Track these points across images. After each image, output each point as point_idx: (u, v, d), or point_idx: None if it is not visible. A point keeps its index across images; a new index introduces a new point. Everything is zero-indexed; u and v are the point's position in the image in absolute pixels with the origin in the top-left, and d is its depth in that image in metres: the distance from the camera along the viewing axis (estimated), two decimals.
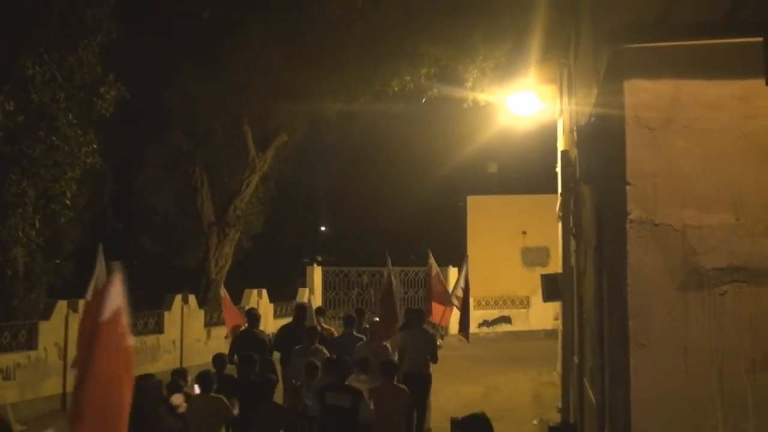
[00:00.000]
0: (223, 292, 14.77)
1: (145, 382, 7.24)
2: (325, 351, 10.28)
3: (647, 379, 5.13)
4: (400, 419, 8.65)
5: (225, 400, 8.22)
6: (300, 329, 11.36)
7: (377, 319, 12.15)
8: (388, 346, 11.22)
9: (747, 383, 5.05)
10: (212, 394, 8.25)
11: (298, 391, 8.54)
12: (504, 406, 15.22)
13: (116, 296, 5.35)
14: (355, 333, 11.68)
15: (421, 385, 11.01)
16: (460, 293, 13.93)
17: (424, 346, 11.41)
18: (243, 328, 12.43)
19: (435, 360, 11.53)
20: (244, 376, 9.32)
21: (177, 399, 8.29)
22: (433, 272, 14.22)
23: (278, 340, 11.97)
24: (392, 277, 12.73)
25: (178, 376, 8.81)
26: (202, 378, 8.37)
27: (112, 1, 16.22)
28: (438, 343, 12.08)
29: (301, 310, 12.56)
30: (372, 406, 8.15)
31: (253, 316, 12.17)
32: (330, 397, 7.98)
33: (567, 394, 11.15)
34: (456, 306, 13.94)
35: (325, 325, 12.76)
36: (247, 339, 11.55)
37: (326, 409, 7.97)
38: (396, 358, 11.05)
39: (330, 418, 7.90)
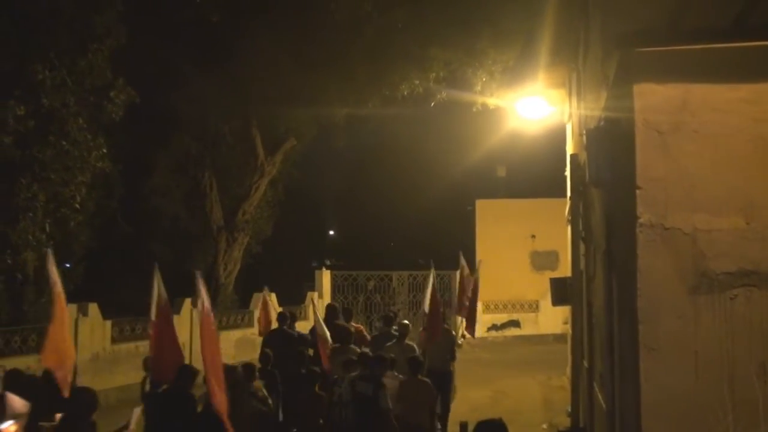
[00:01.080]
0: (265, 293, 16.02)
1: (229, 373, 8.35)
2: (358, 349, 11.12)
3: (657, 383, 5.11)
4: (425, 409, 9.68)
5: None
6: (330, 328, 12.06)
7: (406, 321, 12.89)
8: (415, 345, 11.91)
9: (758, 388, 5.02)
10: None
11: (336, 383, 9.55)
12: (513, 411, 15.16)
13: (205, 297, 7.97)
14: (392, 331, 12.48)
15: (442, 380, 11.89)
16: (469, 293, 14.17)
17: (445, 345, 12.47)
18: (274, 327, 13.37)
19: (454, 358, 12.71)
20: (291, 369, 10.07)
21: (257, 384, 9.42)
22: (464, 273, 14.50)
23: (312, 338, 12.60)
24: (435, 282, 13.21)
25: (250, 368, 9.69)
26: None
27: (122, 7, 16.30)
28: (459, 343, 13.28)
29: (332, 310, 13.45)
30: (400, 398, 9.29)
31: (283, 317, 13.03)
32: (359, 386, 9.13)
33: (577, 399, 11.12)
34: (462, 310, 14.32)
35: (355, 324, 13.55)
36: (278, 337, 12.39)
37: (355, 396, 9.07)
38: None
39: (357, 404, 9.03)
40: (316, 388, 9.71)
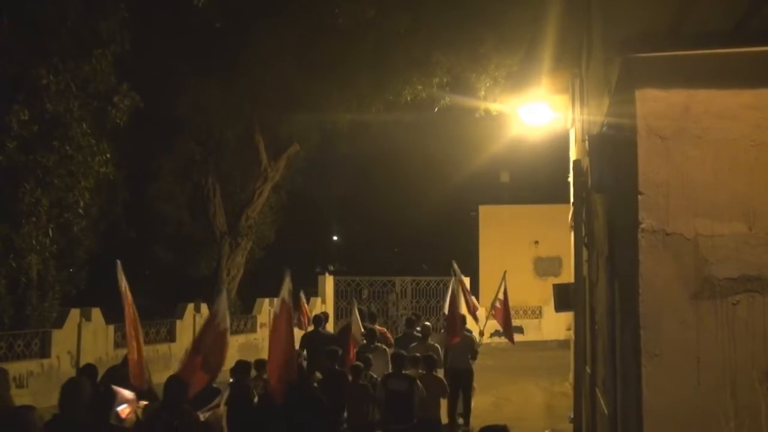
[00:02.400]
0: (302, 295, 17.07)
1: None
2: (385, 347, 12.28)
3: (659, 389, 5.09)
4: (437, 401, 10.72)
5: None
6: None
7: (428, 323, 13.84)
8: (438, 345, 12.83)
9: (760, 394, 5.01)
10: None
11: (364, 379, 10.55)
12: (516, 417, 15.14)
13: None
14: (415, 333, 13.43)
15: (463, 377, 13.43)
16: (498, 304, 15.57)
17: (465, 345, 13.64)
18: (310, 329, 14.64)
19: (475, 357, 13.89)
20: (329, 365, 10.78)
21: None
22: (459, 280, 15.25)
23: (340, 338, 13.50)
24: (457, 285, 14.42)
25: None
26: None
27: (126, 12, 16.34)
28: (479, 343, 14.47)
29: (360, 314, 14.26)
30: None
31: (318, 320, 14.17)
32: (391, 383, 9.99)
33: (579, 405, 11.09)
34: (493, 315, 15.67)
35: (378, 327, 14.39)
36: (315, 338, 13.42)
37: (388, 393, 9.94)
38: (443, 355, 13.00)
39: (391, 400, 9.90)
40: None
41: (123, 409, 7.40)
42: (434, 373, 10.94)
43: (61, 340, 15.61)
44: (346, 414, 10.42)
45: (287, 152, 24.78)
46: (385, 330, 15.05)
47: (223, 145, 23.99)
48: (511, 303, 18.29)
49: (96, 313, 16.70)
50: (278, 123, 23.01)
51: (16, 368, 14.51)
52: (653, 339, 5.14)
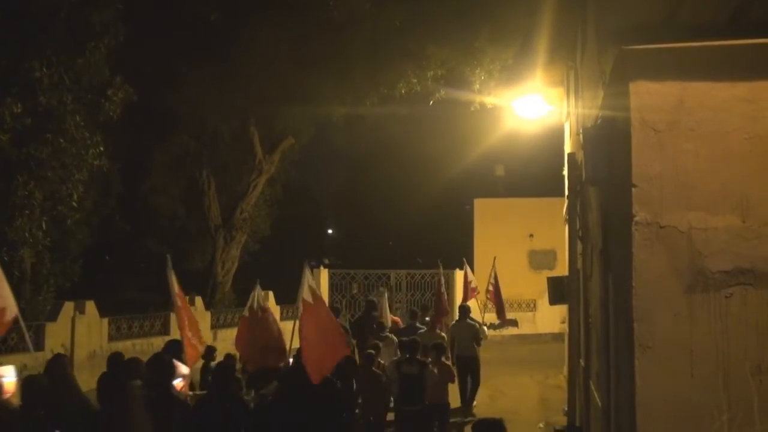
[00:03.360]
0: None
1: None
2: (394, 337, 13.30)
3: (653, 382, 5.09)
4: (446, 386, 11.63)
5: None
6: (369, 319, 14.81)
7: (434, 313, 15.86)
8: (444, 334, 14.40)
9: (753, 386, 5.00)
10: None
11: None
12: (510, 410, 15.16)
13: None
14: (417, 324, 14.64)
15: (470, 364, 14.63)
16: (491, 287, 17.66)
17: (470, 334, 14.79)
18: None
19: (479, 344, 14.97)
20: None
21: None
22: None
23: (355, 328, 14.85)
24: (443, 280, 17.45)
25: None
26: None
27: (120, 4, 16.27)
28: (487, 332, 15.79)
29: (371, 305, 15.67)
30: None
31: (336, 311, 14.90)
32: (404, 368, 10.89)
33: (573, 398, 11.12)
34: (489, 299, 17.66)
35: (393, 317, 15.84)
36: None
37: (402, 377, 10.84)
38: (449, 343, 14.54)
39: (404, 383, 10.81)
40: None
41: (178, 383, 8.54)
42: (443, 360, 11.78)
43: (55, 333, 15.59)
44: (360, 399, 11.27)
45: (282, 145, 24.75)
46: (399, 320, 16.61)
47: (218, 138, 23.95)
48: (505, 296, 18.54)
49: (90, 306, 16.67)
50: (273, 116, 22.98)
51: (10, 361, 14.43)
52: (647, 332, 5.14)
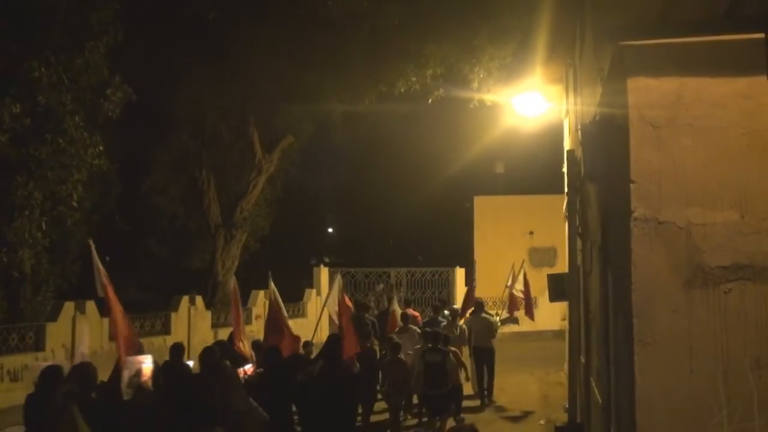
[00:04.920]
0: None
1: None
2: (417, 329, 14.21)
3: (652, 377, 5.09)
4: (456, 372, 12.63)
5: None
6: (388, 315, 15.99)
7: (456, 306, 17.37)
8: (464, 327, 15.51)
9: (752, 381, 5.01)
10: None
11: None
12: (511, 407, 15.18)
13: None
14: (439, 318, 15.64)
15: (486, 354, 15.54)
16: (521, 287, 18.17)
17: (485, 327, 15.77)
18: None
19: (494, 336, 15.93)
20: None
21: None
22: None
23: (380, 322, 15.81)
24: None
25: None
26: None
27: (118, 4, 16.26)
28: (499, 325, 16.87)
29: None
30: None
31: (362, 306, 16.02)
32: (428, 356, 12.05)
33: (574, 394, 11.12)
34: (522, 298, 18.11)
35: (411, 312, 16.51)
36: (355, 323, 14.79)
37: (426, 365, 12.00)
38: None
39: (428, 370, 11.97)
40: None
41: (246, 369, 10.37)
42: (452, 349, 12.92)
43: (56, 333, 15.60)
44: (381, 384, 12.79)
45: (281, 144, 24.74)
46: (418, 314, 17.48)
47: (217, 137, 23.94)
48: (506, 293, 18.55)
49: (90, 306, 16.67)
50: (272, 115, 22.96)
51: (10, 362, 14.51)
52: (646, 327, 5.14)
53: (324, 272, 25.44)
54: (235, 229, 24.20)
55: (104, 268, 9.50)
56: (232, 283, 12.68)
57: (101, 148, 16.56)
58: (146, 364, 8.60)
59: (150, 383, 8.41)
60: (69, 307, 16.11)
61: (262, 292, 22.29)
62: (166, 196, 26.51)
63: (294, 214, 35.95)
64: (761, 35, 4.78)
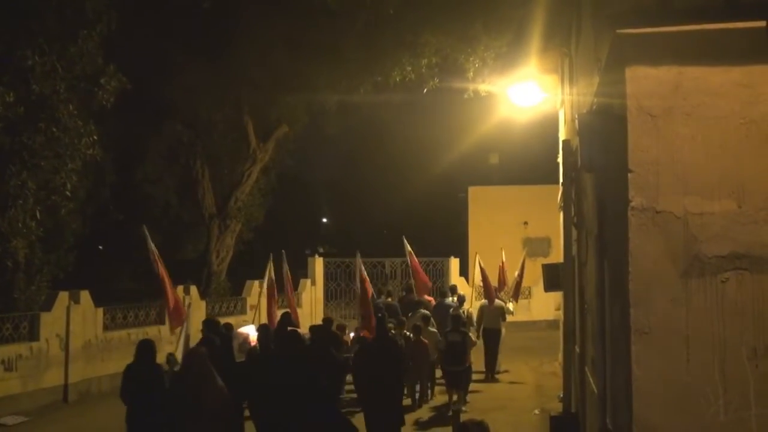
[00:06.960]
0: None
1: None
2: (427, 312, 15.92)
3: (649, 367, 5.09)
4: (466, 352, 14.32)
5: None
6: (410, 300, 18.01)
7: (462, 293, 18.95)
8: (471, 311, 18.31)
9: (749, 371, 5.02)
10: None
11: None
12: (505, 396, 15.24)
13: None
14: (447, 302, 17.67)
15: (494, 336, 17.57)
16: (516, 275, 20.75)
17: (497, 311, 17.80)
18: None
19: (504, 319, 18.04)
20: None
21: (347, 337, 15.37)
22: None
23: (403, 307, 17.58)
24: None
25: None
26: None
27: None
28: (510, 309, 19.21)
29: (409, 289, 19.08)
30: None
31: (388, 293, 19.09)
32: (450, 336, 14.04)
33: (569, 384, 11.14)
34: (518, 281, 20.85)
35: (426, 297, 18.38)
36: (382, 306, 16.62)
37: (448, 344, 13.94)
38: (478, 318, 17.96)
39: (450, 348, 13.92)
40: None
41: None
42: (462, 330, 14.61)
43: (50, 323, 15.54)
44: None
45: (276, 134, 24.68)
46: (432, 299, 18.79)
47: (212, 126, 23.86)
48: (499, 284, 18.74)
49: (85, 295, 16.61)
50: (267, 104, 22.89)
51: (4, 352, 14.46)
52: (643, 317, 5.14)
53: (319, 262, 25.42)
54: (229, 219, 24.17)
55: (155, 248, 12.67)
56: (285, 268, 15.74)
57: (95, 137, 16.46)
58: (252, 333, 11.71)
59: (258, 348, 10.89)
60: (63, 296, 16.05)
61: (256, 282, 22.23)
62: (160, 185, 26.44)
63: (288, 204, 35.88)
64: (761, 23, 4.77)
